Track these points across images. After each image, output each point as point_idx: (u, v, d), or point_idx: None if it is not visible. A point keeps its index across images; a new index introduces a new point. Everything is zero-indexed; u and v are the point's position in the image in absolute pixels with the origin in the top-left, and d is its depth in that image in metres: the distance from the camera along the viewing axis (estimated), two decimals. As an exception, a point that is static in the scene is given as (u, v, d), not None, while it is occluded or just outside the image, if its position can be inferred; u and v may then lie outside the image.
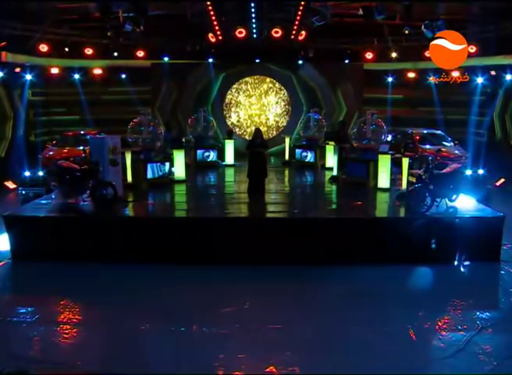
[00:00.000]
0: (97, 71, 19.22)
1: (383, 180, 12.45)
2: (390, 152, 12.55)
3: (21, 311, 7.56)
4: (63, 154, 15.37)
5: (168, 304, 7.76)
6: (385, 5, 14.82)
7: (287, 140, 17.63)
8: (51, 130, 19.31)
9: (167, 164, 13.60)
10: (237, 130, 20.00)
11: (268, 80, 20.07)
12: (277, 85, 20.10)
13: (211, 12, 15.91)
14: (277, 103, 20.16)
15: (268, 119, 20.24)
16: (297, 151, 17.16)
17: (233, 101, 20.10)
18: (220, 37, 16.63)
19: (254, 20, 15.82)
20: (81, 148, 15.64)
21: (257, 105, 20.17)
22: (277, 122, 20.24)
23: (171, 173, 13.75)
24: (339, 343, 6.64)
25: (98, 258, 9.33)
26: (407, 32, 16.21)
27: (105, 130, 16.26)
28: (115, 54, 18.74)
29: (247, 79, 20.06)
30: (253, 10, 15.51)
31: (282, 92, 20.12)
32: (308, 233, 9.64)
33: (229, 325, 7.03)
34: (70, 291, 8.21)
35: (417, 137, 17.15)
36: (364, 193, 12.45)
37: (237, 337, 6.73)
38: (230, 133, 17.58)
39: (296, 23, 16.20)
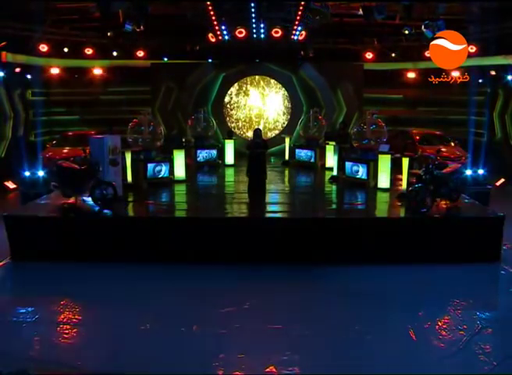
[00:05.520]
0: (97, 71, 19.23)
1: (383, 180, 12.47)
2: (390, 152, 12.56)
3: (21, 311, 7.57)
4: (63, 154, 15.37)
5: (168, 304, 7.76)
6: (385, 5, 14.81)
7: (287, 140, 17.64)
8: (51, 130, 19.31)
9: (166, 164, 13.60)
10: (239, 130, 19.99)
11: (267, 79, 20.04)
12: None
13: (211, 12, 15.91)
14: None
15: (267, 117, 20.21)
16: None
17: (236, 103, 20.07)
18: (220, 37, 16.63)
19: (254, 20, 15.81)
20: (81, 148, 15.62)
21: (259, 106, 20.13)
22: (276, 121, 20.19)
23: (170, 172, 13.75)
24: (339, 343, 6.64)
25: (98, 258, 9.34)
26: (406, 32, 16.23)
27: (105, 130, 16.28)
28: (115, 54, 18.74)
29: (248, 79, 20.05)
30: (253, 10, 15.51)
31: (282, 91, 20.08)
32: (308, 233, 9.65)
33: (229, 325, 7.03)
34: (70, 290, 8.21)
35: (417, 137, 17.15)
36: (364, 193, 12.48)
37: (237, 337, 6.73)
38: (230, 134, 17.59)
39: (296, 23, 16.20)
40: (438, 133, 17.98)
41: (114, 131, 14.57)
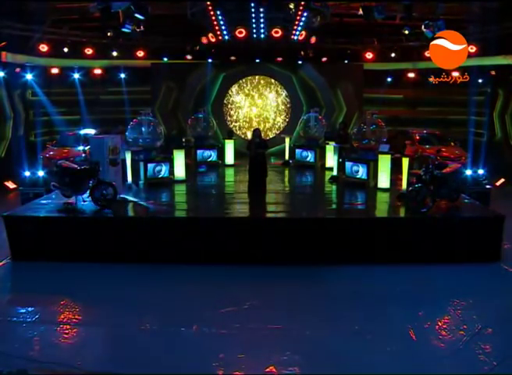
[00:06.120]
0: (97, 71, 19.26)
1: (383, 180, 12.47)
2: (390, 152, 12.56)
3: (21, 311, 7.58)
4: (63, 154, 15.37)
5: (168, 304, 7.76)
6: (385, 5, 14.79)
7: (287, 140, 17.64)
8: (51, 130, 19.31)
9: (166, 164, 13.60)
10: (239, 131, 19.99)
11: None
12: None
13: (211, 12, 15.89)
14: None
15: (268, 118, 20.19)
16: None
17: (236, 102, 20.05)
18: (220, 37, 16.62)
19: (254, 20, 15.80)
20: (81, 148, 15.64)
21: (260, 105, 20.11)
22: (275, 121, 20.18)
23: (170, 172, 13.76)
24: (339, 343, 6.63)
25: (98, 258, 9.34)
26: (406, 32, 16.21)
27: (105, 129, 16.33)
28: (115, 54, 18.75)
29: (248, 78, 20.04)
30: (253, 10, 15.50)
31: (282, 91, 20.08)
32: (308, 233, 9.65)
33: (229, 325, 7.03)
34: (70, 290, 8.22)
35: (417, 137, 17.16)
36: (364, 193, 12.48)
37: (237, 337, 6.73)
38: (230, 134, 17.60)
39: (296, 23, 16.18)
40: (438, 133, 17.97)
41: (119, 131, 14.59)
